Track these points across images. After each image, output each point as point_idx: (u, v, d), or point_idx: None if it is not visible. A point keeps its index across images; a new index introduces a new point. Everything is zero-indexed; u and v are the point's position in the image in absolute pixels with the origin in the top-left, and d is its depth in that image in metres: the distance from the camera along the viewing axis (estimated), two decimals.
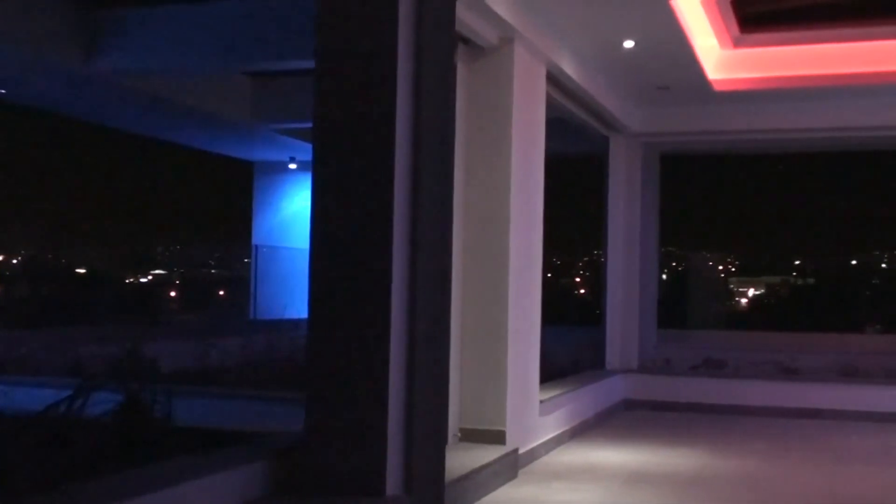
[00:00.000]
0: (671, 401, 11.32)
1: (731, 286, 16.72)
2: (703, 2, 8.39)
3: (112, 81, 11.16)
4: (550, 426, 8.63)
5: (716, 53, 9.81)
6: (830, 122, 11.04)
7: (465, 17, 6.87)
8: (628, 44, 8.77)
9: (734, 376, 11.70)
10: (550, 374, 9.87)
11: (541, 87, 8.27)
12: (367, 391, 4.99)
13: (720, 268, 16.62)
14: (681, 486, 7.24)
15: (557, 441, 8.76)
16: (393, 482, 4.99)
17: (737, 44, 9.72)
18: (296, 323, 12.11)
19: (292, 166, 16.07)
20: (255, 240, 16.68)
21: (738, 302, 16.80)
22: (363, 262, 5.03)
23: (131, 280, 21.53)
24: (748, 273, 17.01)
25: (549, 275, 15.91)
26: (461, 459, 6.76)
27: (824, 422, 10.61)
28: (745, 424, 10.41)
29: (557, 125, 10.03)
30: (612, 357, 11.83)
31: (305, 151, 13.86)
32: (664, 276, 14.79)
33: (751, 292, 16.89)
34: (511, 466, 7.33)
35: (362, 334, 5.01)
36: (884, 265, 16.09)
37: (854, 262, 15.93)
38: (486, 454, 7.03)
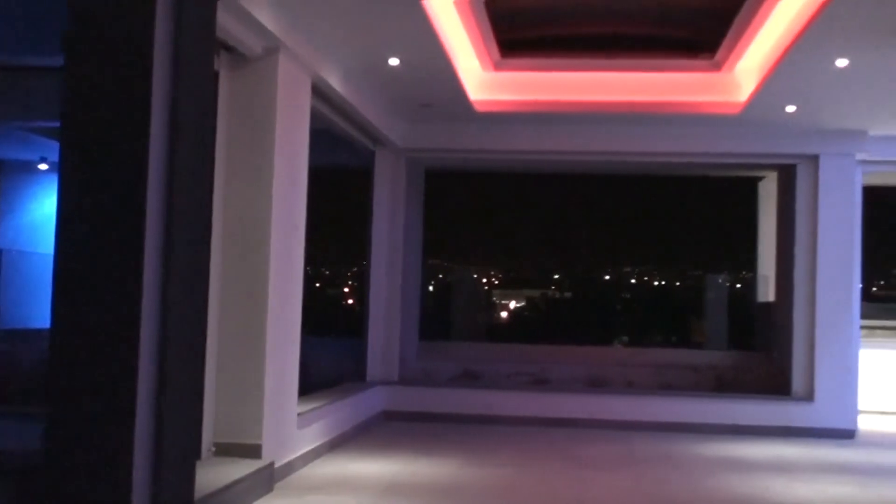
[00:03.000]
0: (430, 412, 11.57)
1: (494, 299, 17.19)
2: (465, 25, 8.66)
3: None
4: (308, 439, 8.61)
5: (478, 75, 10.15)
6: (582, 147, 11.69)
7: (229, 25, 6.77)
8: (393, 61, 8.93)
9: (490, 387, 12.10)
10: (313, 386, 9.85)
11: (305, 99, 8.26)
12: (113, 406, 4.78)
13: (484, 281, 17.07)
14: (435, 496, 7.41)
15: (315, 454, 8.75)
16: (139, 500, 4.81)
17: (498, 67, 10.10)
18: (41, 333, 11.40)
19: (43, 167, 15.18)
20: (0, 244, 15.62)
21: (500, 315, 17.30)
22: (111, 270, 4.83)
23: None
24: (510, 286, 17.53)
25: (317, 285, 15.81)
26: (214, 474, 6.63)
27: (573, 430, 11.18)
28: (500, 434, 10.80)
29: (325, 137, 10.06)
30: (374, 368, 11.95)
31: (57, 152, 13.10)
32: (431, 289, 15.07)
33: (512, 305, 17.43)
34: (266, 480, 7.25)
35: (108, 346, 4.80)
36: (633, 281, 17.00)
37: (607, 277, 16.73)
38: (241, 468, 6.92)
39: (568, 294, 16.97)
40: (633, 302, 16.35)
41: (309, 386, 9.48)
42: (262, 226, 7.46)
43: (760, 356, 12.78)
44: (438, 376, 12.48)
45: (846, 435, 11.22)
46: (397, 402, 11.70)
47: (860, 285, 12.23)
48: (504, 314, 17.23)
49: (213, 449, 7.31)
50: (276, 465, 7.55)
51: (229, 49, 7.34)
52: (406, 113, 11.18)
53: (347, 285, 17.93)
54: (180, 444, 5.18)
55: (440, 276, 16.14)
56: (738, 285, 15.04)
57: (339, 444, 9.54)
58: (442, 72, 9.14)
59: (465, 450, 9.64)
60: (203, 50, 5.45)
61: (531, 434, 10.84)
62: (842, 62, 8.49)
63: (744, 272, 14.75)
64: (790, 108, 10.31)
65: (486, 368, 12.63)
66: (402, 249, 12.20)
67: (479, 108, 10.42)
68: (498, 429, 11.11)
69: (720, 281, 15.03)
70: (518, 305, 17.30)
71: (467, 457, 9.23)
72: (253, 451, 7.31)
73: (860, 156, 11.53)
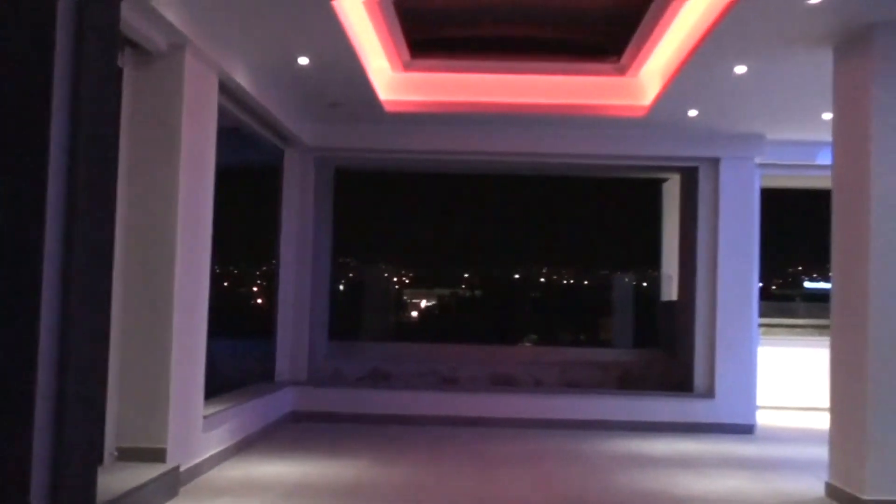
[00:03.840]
0: (339, 412, 11.54)
1: (405, 298, 17.19)
2: (375, 25, 8.66)
3: None
4: (214, 441, 8.51)
5: (387, 75, 10.16)
6: (491, 147, 11.80)
7: (133, 21, 6.65)
8: (303, 60, 8.88)
9: (399, 387, 12.13)
10: (220, 387, 9.74)
11: (212, 97, 8.16)
12: (10, 408, 4.66)
13: (395, 279, 17.06)
14: (342, 497, 7.40)
15: (221, 456, 8.66)
16: None
17: (407, 67, 10.12)
18: None
19: None
20: None
21: (410, 314, 17.31)
22: (10, 271, 4.70)
23: None
24: (421, 285, 17.55)
25: (225, 284, 15.58)
26: (117, 480, 6.51)
27: (482, 429, 11.27)
28: (409, 434, 10.83)
29: (234, 135, 9.95)
30: (282, 369, 11.88)
31: None
32: (341, 288, 15.01)
33: (423, 304, 17.45)
34: (171, 485, 7.15)
35: (6, 347, 4.67)
36: (542, 280, 17.16)
37: (517, 276, 16.86)
38: (145, 473, 6.81)
39: (478, 293, 17.07)
40: (542, 301, 16.51)
41: (216, 387, 9.37)
42: (167, 225, 7.35)
43: (664, 354, 13.08)
44: (348, 376, 12.46)
45: (746, 430, 11.56)
46: (306, 402, 11.64)
47: (759, 284, 12.62)
48: (414, 313, 17.25)
49: (116, 453, 7.18)
50: (182, 468, 7.44)
51: (134, 45, 7.20)
52: (316, 112, 11.13)
53: (256, 284, 17.74)
54: (81, 448, 5.07)
55: (350, 275, 16.08)
56: (645, 284, 15.35)
57: (246, 446, 9.46)
58: (351, 72, 9.12)
59: (373, 450, 9.65)
60: (107, 46, 5.35)
61: (440, 433, 10.90)
62: (740, 69, 8.75)
63: (650, 271, 15.06)
64: (692, 113, 10.58)
65: (395, 368, 12.66)
66: (311, 248, 12.15)
67: (388, 108, 10.44)
68: (407, 428, 11.15)
69: (626, 280, 15.32)
70: (429, 304, 17.33)
71: (375, 457, 9.24)
72: (157, 455, 7.20)
73: (758, 159, 11.89)
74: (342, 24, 7.78)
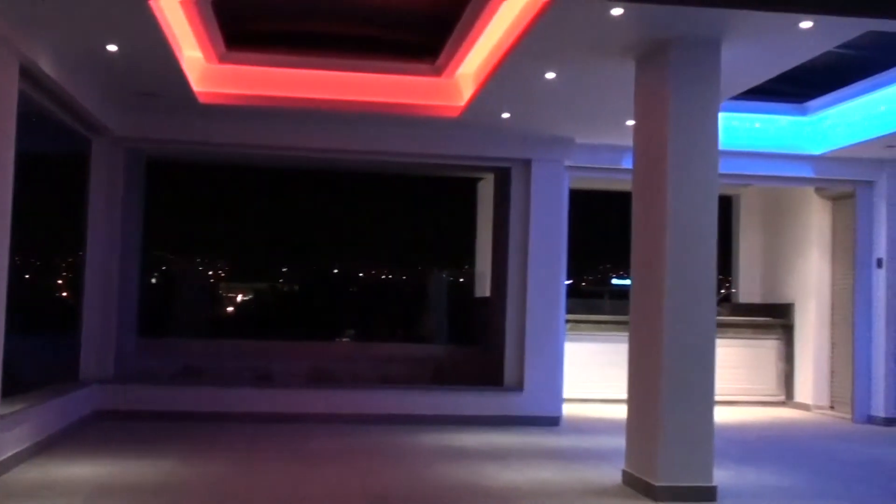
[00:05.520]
0: (147, 410, 11.21)
1: (221, 292, 16.88)
2: (188, 15, 8.47)
3: None
4: (11, 443, 8.13)
5: (201, 66, 9.96)
6: (308, 143, 11.74)
7: None
8: (112, 48, 8.58)
9: (212, 384, 11.90)
10: (20, 386, 9.29)
11: (12, 83, 7.77)
12: None
13: (210, 273, 16.72)
14: (146, 496, 7.23)
15: (20, 458, 8.28)
16: None
17: (222, 60, 9.96)
18: None
19: None
20: None
21: (226, 309, 17.01)
22: None
23: None
24: (238, 279, 17.28)
25: (27, 276, 14.83)
26: None
27: (298, 425, 11.21)
28: (221, 431, 10.65)
29: (38, 123, 9.50)
30: (87, 366, 11.42)
31: None
32: (154, 282, 14.60)
33: (239, 298, 17.19)
34: None
35: None
36: (360, 275, 17.24)
37: (335, 271, 16.87)
38: None
39: (296, 288, 16.97)
40: (360, 296, 16.59)
41: (15, 386, 8.92)
42: None
43: (478, 349, 13.39)
44: (159, 374, 12.14)
45: (552, 422, 11.99)
46: (113, 400, 11.25)
47: (569, 282, 13.10)
48: (230, 308, 16.96)
49: None
50: None
51: None
52: (126, 101, 10.76)
53: (61, 277, 16.95)
54: None
55: (164, 268, 15.66)
56: (461, 280, 15.67)
57: (46, 446, 9.06)
58: (163, 61, 8.87)
59: (182, 448, 9.45)
60: None
61: (254, 431, 10.77)
62: (550, 74, 9.07)
63: (465, 268, 15.39)
64: (505, 115, 10.88)
65: (209, 365, 12.43)
66: (119, 240, 11.74)
67: (202, 99, 10.24)
68: (220, 426, 10.95)
69: (442, 276, 15.59)
70: (245, 299, 17.09)
71: (184, 455, 9.06)
72: None
73: (568, 161, 12.34)
74: (152, 11, 7.56)
